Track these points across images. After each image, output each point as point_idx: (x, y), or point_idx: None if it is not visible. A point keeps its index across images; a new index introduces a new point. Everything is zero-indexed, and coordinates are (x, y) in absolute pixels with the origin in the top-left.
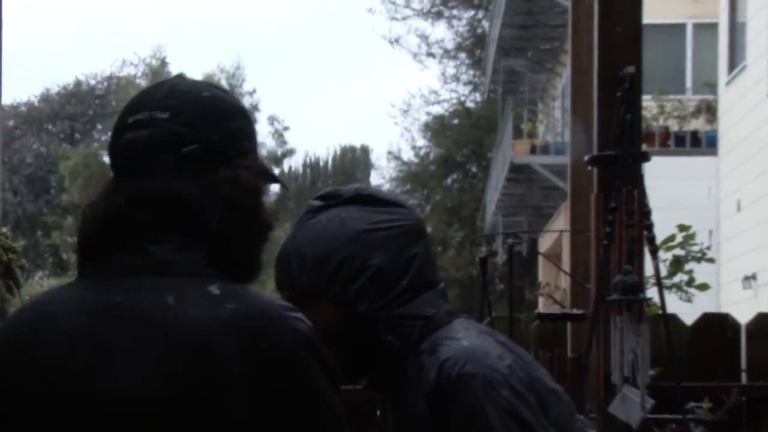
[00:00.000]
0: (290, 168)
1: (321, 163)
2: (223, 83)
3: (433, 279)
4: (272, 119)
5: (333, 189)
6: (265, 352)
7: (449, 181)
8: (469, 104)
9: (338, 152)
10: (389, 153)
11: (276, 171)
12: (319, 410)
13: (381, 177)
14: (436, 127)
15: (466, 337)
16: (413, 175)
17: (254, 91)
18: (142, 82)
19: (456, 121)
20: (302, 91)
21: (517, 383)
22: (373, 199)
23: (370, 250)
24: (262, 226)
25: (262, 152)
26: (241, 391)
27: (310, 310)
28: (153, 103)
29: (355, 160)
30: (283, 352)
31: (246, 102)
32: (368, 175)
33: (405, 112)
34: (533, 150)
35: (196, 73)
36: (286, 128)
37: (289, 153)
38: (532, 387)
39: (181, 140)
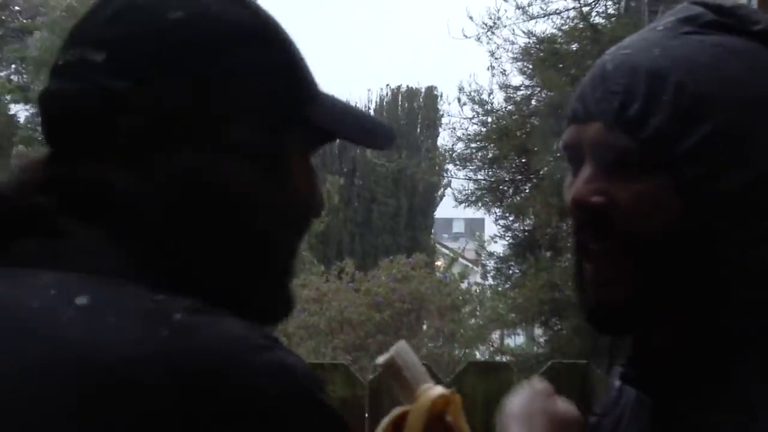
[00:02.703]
0: None
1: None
2: None
3: None
4: None
5: (742, 7)
6: (226, 403)
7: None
8: (597, 19)
9: (387, 96)
10: (462, 92)
11: None
12: None
13: (450, 131)
14: (542, 56)
15: None
16: (503, 131)
17: None
18: None
19: (575, 46)
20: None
21: None
22: None
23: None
24: (267, 245)
25: None
26: None
27: (638, 185)
28: (91, 31)
29: (410, 106)
30: (258, 405)
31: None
32: (436, 129)
33: (490, 28)
34: None
35: None
36: None
37: None
38: None
39: (117, 104)
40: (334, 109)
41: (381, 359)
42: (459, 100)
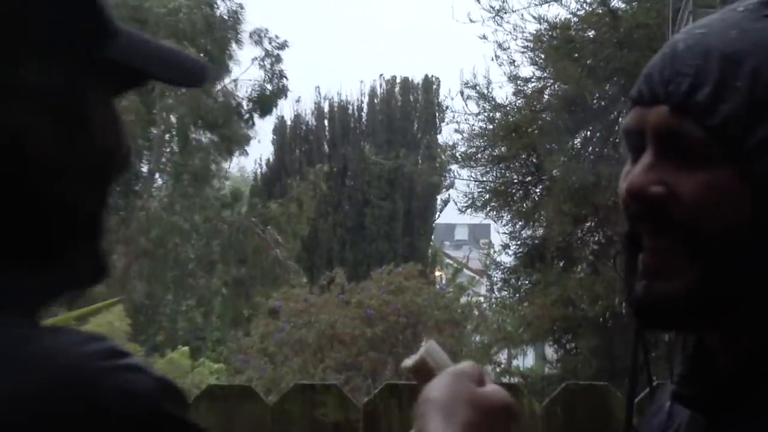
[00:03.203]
0: (296, 114)
1: (351, 107)
2: None
3: None
4: (258, 34)
5: None
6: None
7: (577, 141)
8: (616, 3)
9: (381, 88)
10: (466, 85)
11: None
12: None
13: (452, 127)
14: (556, 44)
15: None
16: (512, 128)
17: None
18: None
19: (592, 33)
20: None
21: None
22: None
23: None
24: (65, 207)
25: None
26: None
27: (703, 176)
28: None
29: (406, 99)
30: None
31: (221, 8)
32: (435, 125)
33: (498, 12)
34: None
35: None
36: (281, 47)
37: (282, 92)
38: None
39: None
40: (139, 46)
41: (409, 362)
42: (462, 93)
